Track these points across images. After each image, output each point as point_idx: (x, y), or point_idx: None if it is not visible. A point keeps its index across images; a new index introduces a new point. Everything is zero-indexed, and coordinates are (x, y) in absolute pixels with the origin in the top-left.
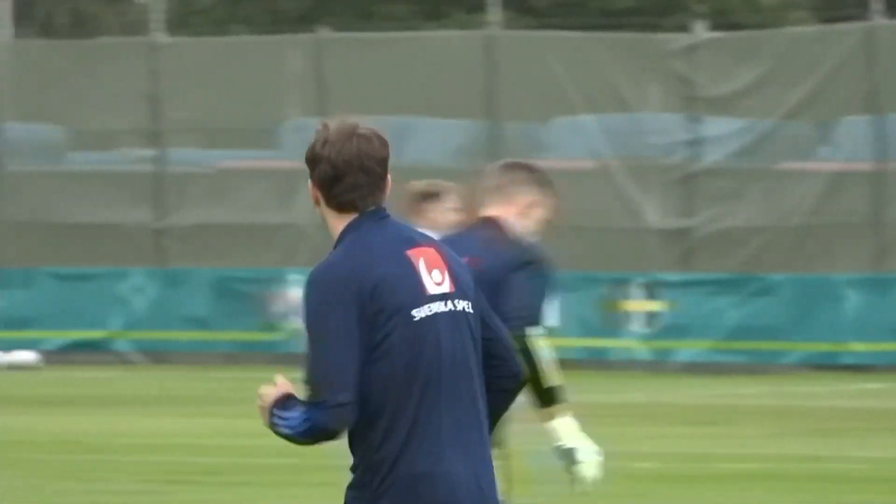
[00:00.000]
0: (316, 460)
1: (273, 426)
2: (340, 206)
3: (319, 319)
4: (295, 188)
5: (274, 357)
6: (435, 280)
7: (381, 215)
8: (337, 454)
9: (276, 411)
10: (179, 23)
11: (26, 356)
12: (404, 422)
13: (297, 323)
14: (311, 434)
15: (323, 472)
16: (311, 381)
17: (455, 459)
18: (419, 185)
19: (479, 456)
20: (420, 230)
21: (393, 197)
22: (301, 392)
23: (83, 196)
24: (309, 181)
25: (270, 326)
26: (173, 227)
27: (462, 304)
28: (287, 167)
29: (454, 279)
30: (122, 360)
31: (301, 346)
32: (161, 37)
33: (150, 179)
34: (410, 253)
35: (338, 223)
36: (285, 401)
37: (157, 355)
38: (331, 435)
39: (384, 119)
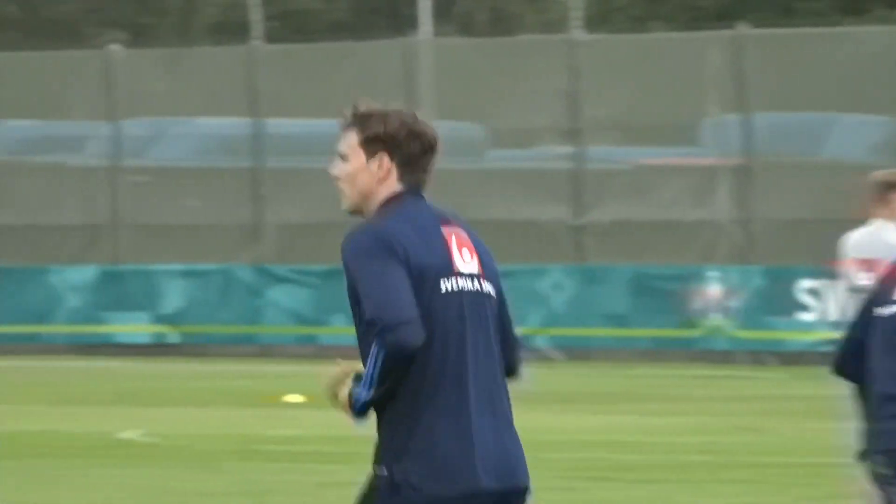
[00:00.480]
0: (732, 457)
1: (353, 397)
2: (412, 183)
3: (365, 263)
4: (714, 185)
5: (693, 354)
6: (465, 258)
7: (419, 193)
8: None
9: (353, 384)
10: (598, 20)
11: None
12: (423, 394)
13: (717, 320)
14: (390, 361)
15: (742, 469)
16: (371, 316)
17: (484, 429)
18: (883, 174)
19: (498, 429)
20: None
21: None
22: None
23: (502, 193)
24: (381, 155)
25: (690, 323)
26: (592, 224)
27: (487, 287)
28: (706, 164)
29: (481, 262)
30: (540, 356)
31: (718, 343)
32: (580, 34)
33: (568, 177)
34: (444, 229)
35: (381, 195)
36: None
37: (576, 352)
38: (408, 352)
39: (803, 115)
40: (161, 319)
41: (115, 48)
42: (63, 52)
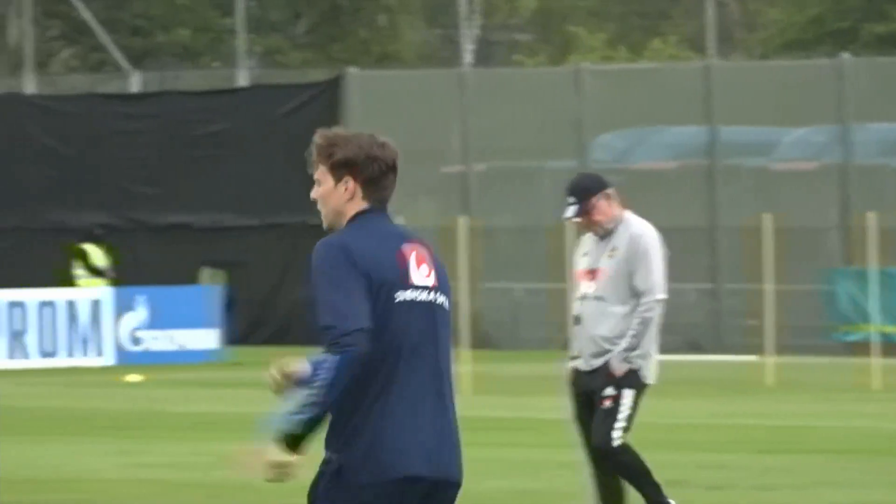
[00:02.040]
0: None
1: (308, 395)
2: (378, 201)
3: (329, 272)
4: None
5: None
6: (422, 273)
7: (384, 210)
8: None
9: (305, 382)
10: None
11: None
12: (373, 389)
13: None
14: (350, 365)
15: None
16: (328, 322)
17: (426, 425)
18: None
19: (437, 425)
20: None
21: None
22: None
23: None
24: (347, 178)
25: None
26: None
27: (441, 299)
28: None
29: (438, 277)
30: None
31: None
32: None
33: None
34: (405, 246)
35: (350, 212)
36: (304, 375)
37: None
38: (364, 358)
39: None
40: None
41: None
42: None
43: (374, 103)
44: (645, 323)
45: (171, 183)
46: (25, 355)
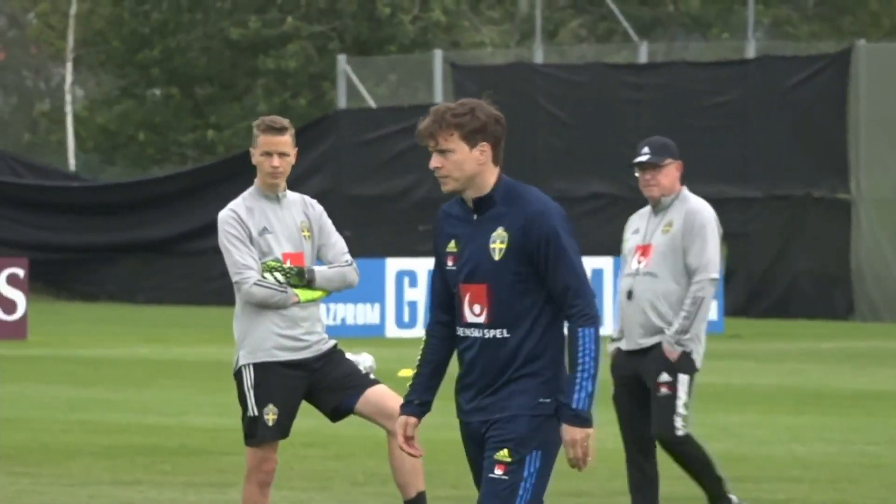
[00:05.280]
0: None
1: (589, 370)
2: (498, 161)
3: (573, 241)
4: None
5: None
6: None
7: None
8: None
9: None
10: None
11: None
12: None
13: None
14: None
15: None
16: (588, 289)
17: None
18: None
19: None
20: None
21: None
22: None
23: None
24: (484, 143)
25: None
26: None
27: None
28: None
29: None
30: None
31: None
32: None
33: None
34: None
35: (493, 174)
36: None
37: None
38: None
39: None
40: None
41: None
42: None
43: (882, 76)
44: (697, 303)
45: None
46: None
